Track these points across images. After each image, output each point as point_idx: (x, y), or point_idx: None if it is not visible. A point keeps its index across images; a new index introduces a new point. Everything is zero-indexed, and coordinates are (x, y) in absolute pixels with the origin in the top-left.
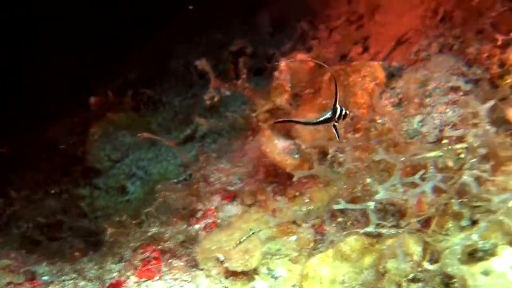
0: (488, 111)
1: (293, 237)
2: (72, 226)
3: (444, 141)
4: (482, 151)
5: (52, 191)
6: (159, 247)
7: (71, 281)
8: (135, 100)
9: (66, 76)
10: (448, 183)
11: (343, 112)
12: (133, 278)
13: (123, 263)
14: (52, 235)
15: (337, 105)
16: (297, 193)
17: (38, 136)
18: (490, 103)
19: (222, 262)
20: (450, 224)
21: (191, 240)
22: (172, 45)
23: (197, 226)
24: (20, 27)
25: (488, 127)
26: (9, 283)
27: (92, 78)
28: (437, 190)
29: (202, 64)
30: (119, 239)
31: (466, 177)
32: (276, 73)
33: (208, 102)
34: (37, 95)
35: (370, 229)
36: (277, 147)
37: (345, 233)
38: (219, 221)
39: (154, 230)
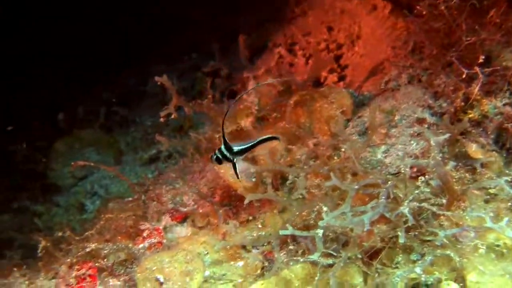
0: (440, 144)
1: (240, 263)
2: (23, 244)
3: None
4: (438, 185)
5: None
6: (97, 264)
7: None
8: (107, 119)
9: (34, 89)
10: (398, 215)
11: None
12: None
13: (56, 280)
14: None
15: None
16: (250, 218)
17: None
18: (444, 136)
19: (161, 283)
20: (400, 257)
21: (133, 259)
22: (151, 64)
23: (141, 245)
24: None
25: (439, 159)
26: None
27: (64, 94)
28: (387, 221)
29: (162, 80)
30: (56, 255)
31: (408, 210)
32: (244, 96)
33: (162, 120)
34: (2, 107)
35: (314, 257)
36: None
37: (290, 260)
38: (165, 241)
39: (93, 246)
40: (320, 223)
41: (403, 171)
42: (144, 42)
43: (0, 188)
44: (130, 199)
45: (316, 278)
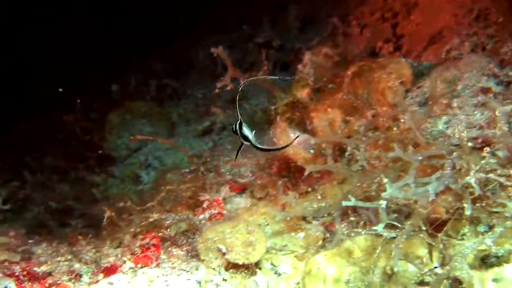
0: (507, 114)
1: (301, 234)
2: (83, 213)
3: (469, 144)
4: (505, 155)
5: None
6: (160, 234)
7: (66, 263)
8: (158, 91)
9: (88, 61)
10: (464, 186)
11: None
12: (129, 264)
13: (121, 248)
14: (62, 221)
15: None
16: (310, 189)
17: (56, 120)
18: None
19: (223, 253)
20: (466, 229)
21: (194, 230)
22: (200, 37)
23: (201, 216)
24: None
25: (506, 130)
26: (4, 261)
27: (116, 66)
28: (451, 193)
29: (218, 51)
30: (119, 224)
31: (475, 181)
32: (299, 67)
33: (217, 91)
34: (57, 79)
35: (378, 228)
36: (291, 140)
37: (352, 231)
38: (225, 212)
39: (155, 216)
40: (384, 194)
41: (465, 142)
42: (192, 13)
43: (58, 158)
44: (187, 170)
45: (378, 250)
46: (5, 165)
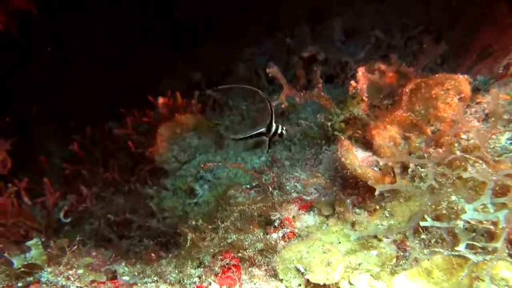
0: None
1: (374, 252)
2: (141, 225)
3: None
4: None
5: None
6: (239, 254)
7: (153, 284)
8: (201, 102)
9: (134, 74)
10: None
11: (279, 131)
12: (215, 285)
13: (202, 269)
14: (121, 233)
15: (273, 124)
16: (377, 207)
17: (107, 134)
18: None
19: (302, 273)
20: None
21: (270, 249)
22: (239, 47)
23: (275, 235)
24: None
25: None
26: (92, 281)
27: (159, 78)
28: None
29: (273, 72)
30: (197, 244)
31: None
32: (352, 82)
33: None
34: (105, 93)
35: (460, 248)
36: (357, 159)
37: (430, 251)
38: (296, 231)
39: (233, 237)
40: (464, 216)
41: None
42: (220, 18)
43: (112, 171)
44: (249, 186)
45: (463, 274)
46: (62, 177)
